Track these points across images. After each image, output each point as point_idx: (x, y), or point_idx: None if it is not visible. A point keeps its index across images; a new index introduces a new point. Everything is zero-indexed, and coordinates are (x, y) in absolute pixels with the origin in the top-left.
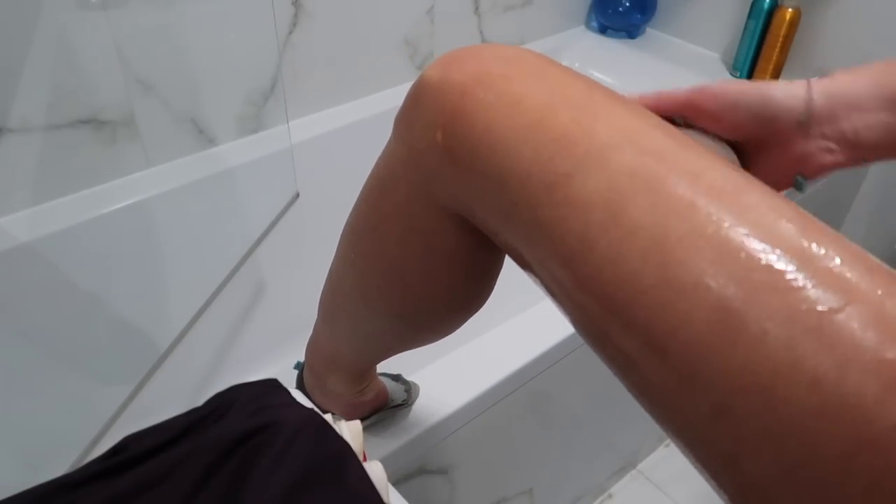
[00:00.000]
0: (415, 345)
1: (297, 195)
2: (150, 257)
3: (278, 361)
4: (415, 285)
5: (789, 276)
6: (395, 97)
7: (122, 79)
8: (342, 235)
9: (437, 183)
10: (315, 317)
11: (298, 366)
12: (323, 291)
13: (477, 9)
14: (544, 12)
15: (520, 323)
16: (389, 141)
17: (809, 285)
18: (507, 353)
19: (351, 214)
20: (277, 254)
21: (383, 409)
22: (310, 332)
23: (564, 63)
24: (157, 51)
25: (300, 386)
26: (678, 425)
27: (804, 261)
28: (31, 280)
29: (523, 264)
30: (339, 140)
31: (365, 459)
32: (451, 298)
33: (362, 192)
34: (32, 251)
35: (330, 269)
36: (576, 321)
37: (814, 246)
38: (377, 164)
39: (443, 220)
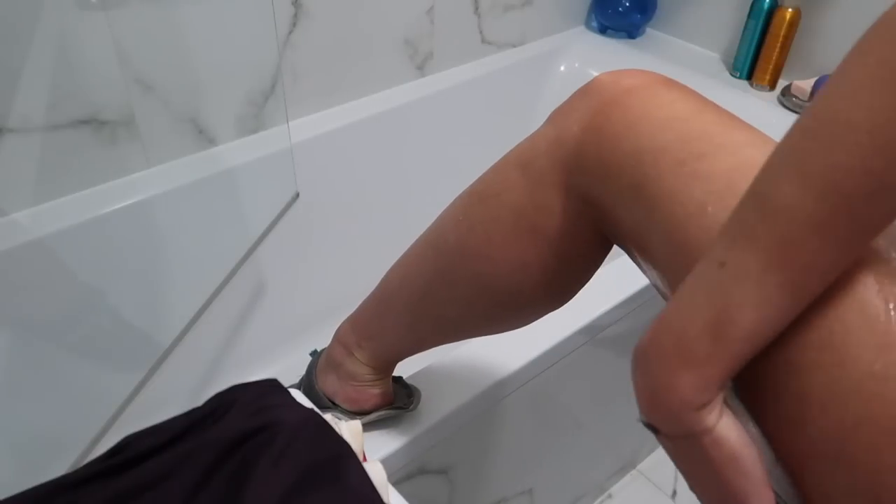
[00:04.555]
0: (474, 332)
1: (297, 195)
2: (151, 257)
3: (278, 361)
4: (514, 257)
5: None
6: (395, 97)
7: (122, 79)
8: (456, 200)
9: (577, 161)
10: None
11: (315, 353)
12: (394, 265)
13: (477, 9)
14: (544, 12)
15: None
16: (539, 128)
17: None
18: (507, 353)
19: (475, 182)
20: (277, 254)
21: (384, 408)
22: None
23: (564, 63)
24: (157, 51)
25: (311, 370)
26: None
27: None
28: (31, 281)
29: (638, 250)
30: (339, 140)
31: (365, 459)
32: (542, 281)
33: (496, 163)
34: (32, 251)
35: (415, 243)
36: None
37: None
38: (519, 145)
39: (565, 201)
